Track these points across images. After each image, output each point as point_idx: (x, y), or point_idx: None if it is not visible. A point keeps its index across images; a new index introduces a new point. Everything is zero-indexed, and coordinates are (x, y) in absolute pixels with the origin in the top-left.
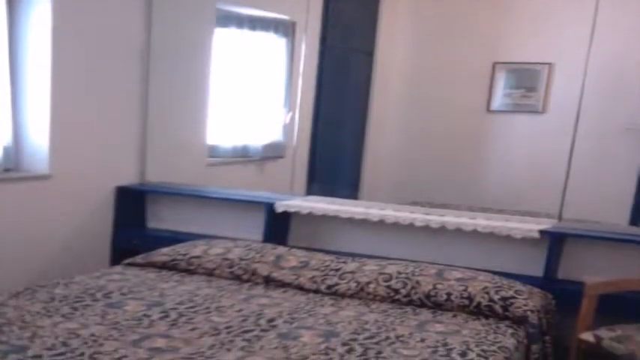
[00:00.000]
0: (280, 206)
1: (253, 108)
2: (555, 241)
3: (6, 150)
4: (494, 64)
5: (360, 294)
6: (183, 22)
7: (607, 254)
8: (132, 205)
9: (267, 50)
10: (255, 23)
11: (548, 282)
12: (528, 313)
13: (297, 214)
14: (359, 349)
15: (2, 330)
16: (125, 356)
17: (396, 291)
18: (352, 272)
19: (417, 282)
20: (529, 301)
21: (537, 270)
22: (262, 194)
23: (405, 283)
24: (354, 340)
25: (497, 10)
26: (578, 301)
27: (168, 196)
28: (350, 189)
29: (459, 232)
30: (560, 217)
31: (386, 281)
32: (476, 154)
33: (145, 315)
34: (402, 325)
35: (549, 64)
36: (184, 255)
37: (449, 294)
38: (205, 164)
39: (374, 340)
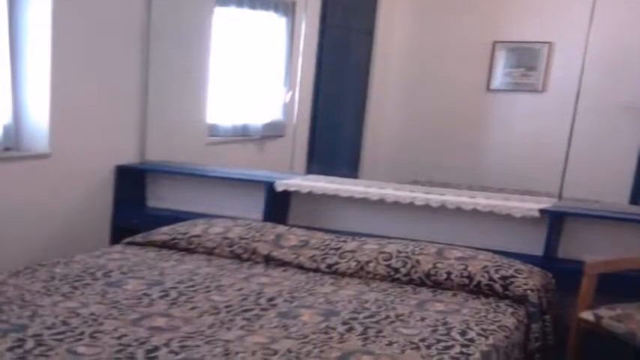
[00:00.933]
0: (280, 185)
1: (253, 87)
2: (555, 220)
3: (6, 129)
4: (495, 43)
5: (360, 273)
6: (184, 1)
7: (607, 233)
8: (132, 184)
9: (267, 29)
10: (255, 2)
11: (548, 261)
12: (528, 292)
13: (297, 193)
14: (359, 328)
15: (2, 309)
16: (125, 335)
17: (396, 270)
18: (352, 251)
19: (417, 261)
20: (529, 280)
21: (537, 249)
22: (262, 173)
23: (405, 262)
24: (354, 319)
25: None
26: (578, 280)
27: (168, 175)
28: (350, 168)
29: (458, 211)
30: (560, 196)
31: (386, 260)
32: (476, 133)
33: (144, 294)
34: (402, 304)
35: (549, 43)
36: (184, 234)
37: (449, 273)
38: (205, 143)
39: (374, 319)
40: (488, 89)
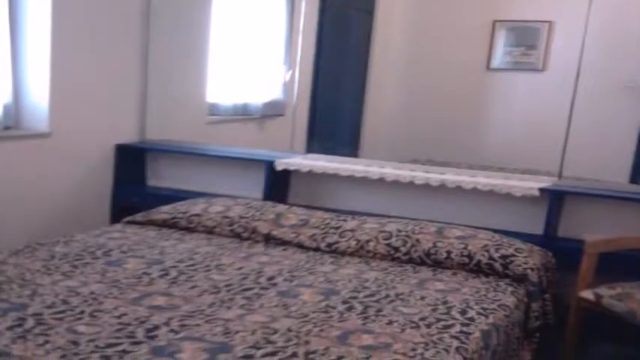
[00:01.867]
0: (280, 164)
1: (253, 66)
2: (555, 199)
3: (6, 108)
4: (495, 22)
5: (360, 252)
6: None
7: (607, 212)
8: (132, 163)
9: (267, 8)
10: None
11: (548, 240)
12: (528, 271)
13: (297, 172)
14: (359, 307)
15: (2, 288)
16: (125, 314)
17: (396, 249)
18: (352, 230)
19: (417, 240)
20: (529, 259)
21: (537, 228)
22: (262, 152)
23: (405, 241)
24: (354, 298)
25: None
26: (579, 259)
27: (168, 154)
28: (350, 147)
29: (458, 190)
30: (560, 175)
31: (386, 239)
32: (476, 112)
33: (144, 273)
34: (402, 283)
35: (549, 22)
36: (184, 213)
37: (449, 252)
38: (205, 122)
39: (374, 298)
40: (488, 68)
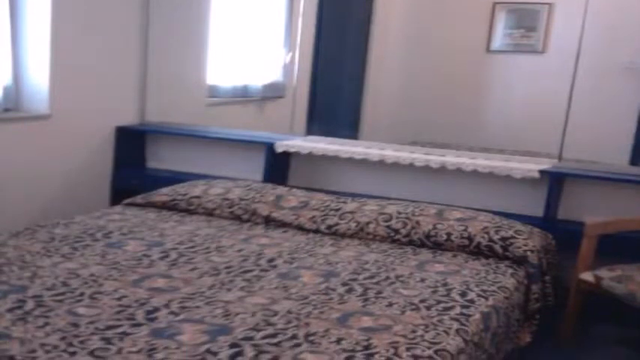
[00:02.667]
0: (280, 146)
1: (253, 48)
2: (555, 181)
3: (6, 90)
4: (494, 4)
5: (360, 234)
6: None
7: (607, 194)
8: (132, 145)
9: None
10: None
11: (548, 222)
12: (528, 253)
13: (297, 154)
14: (359, 289)
15: (2, 270)
16: (125, 296)
17: (396, 231)
18: (352, 212)
19: (417, 222)
20: (529, 241)
21: (537, 210)
22: (262, 134)
23: (405, 223)
24: (354, 280)
25: None
26: (579, 241)
27: (168, 136)
28: (350, 129)
29: (459, 172)
30: (560, 157)
31: (386, 221)
32: (476, 94)
33: (144, 255)
34: (402, 265)
35: (549, 3)
36: (184, 195)
37: (449, 234)
38: (205, 104)
39: (374, 280)
40: (488, 50)
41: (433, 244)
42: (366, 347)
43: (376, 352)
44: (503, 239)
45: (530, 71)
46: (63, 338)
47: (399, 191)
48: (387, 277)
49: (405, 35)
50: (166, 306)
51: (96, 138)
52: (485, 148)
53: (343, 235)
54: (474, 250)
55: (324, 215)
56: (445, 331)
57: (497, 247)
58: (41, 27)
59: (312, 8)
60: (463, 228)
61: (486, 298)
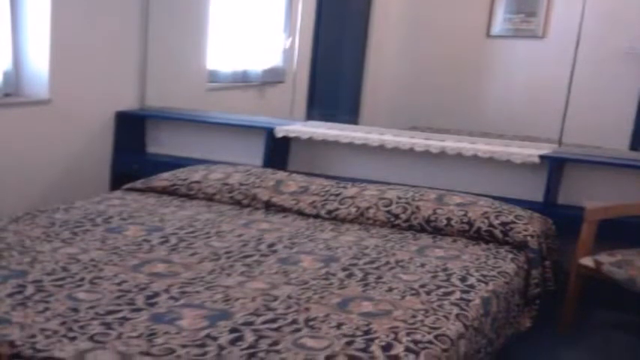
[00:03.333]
0: (280, 131)
1: (253, 33)
2: (555, 166)
3: (6, 75)
4: None
5: (360, 219)
6: None
7: (607, 179)
8: (132, 130)
9: None
10: None
11: (548, 207)
12: (528, 238)
13: (297, 139)
14: (359, 274)
15: (2, 255)
16: (125, 281)
17: (396, 216)
18: (352, 197)
19: (417, 207)
20: (529, 226)
21: (537, 195)
22: (262, 119)
23: (405, 208)
24: (354, 265)
25: None
26: (579, 226)
27: (168, 121)
28: (350, 114)
29: (459, 157)
30: (560, 142)
31: (386, 206)
32: (476, 79)
33: (145, 240)
34: (402, 250)
35: None
36: (184, 180)
37: (449, 219)
38: (205, 89)
39: (374, 265)
40: (488, 35)
41: (433, 229)
42: (366, 332)
43: (376, 337)
44: (504, 224)
45: (531, 56)
46: (63, 323)
47: (399, 176)
48: (387, 262)
49: (405, 20)
50: (166, 291)
51: (96, 123)
52: (486, 133)
53: (343, 220)
54: (474, 235)
55: (324, 200)
56: (445, 316)
57: (498, 232)
58: (41, 12)
59: None
60: (463, 213)
61: (486, 283)
